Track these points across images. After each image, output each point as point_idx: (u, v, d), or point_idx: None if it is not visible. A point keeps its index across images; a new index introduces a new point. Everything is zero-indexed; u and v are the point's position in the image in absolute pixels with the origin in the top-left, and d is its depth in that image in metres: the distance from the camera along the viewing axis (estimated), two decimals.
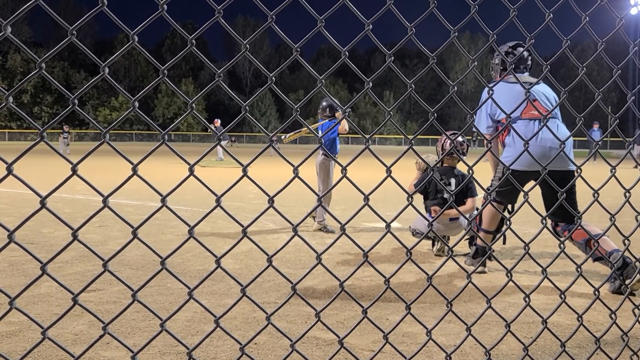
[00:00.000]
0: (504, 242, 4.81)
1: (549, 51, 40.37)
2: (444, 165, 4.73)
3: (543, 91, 3.99)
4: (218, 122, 21.47)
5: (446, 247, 4.56)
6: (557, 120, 3.87)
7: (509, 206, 4.07)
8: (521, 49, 4.06)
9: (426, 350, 2.46)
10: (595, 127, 23.43)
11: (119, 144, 47.82)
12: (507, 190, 3.90)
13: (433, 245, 4.75)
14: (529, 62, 4.18)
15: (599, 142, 1.78)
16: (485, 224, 4.06)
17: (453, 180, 4.66)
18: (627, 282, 3.48)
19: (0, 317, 1.12)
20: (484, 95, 4.08)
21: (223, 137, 20.86)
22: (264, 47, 80.00)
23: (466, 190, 4.57)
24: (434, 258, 4.52)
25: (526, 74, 4.14)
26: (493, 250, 1.72)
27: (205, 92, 1.31)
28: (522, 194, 1.64)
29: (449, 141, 4.71)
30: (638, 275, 3.34)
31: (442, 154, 4.74)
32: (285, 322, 2.85)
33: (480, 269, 4.00)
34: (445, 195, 4.59)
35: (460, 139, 4.71)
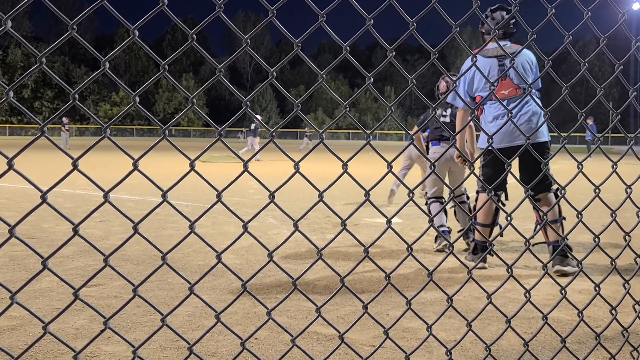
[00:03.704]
0: (501, 235, 4.75)
1: (551, 46, 40.25)
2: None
3: (522, 61, 3.79)
4: (260, 117, 19.75)
5: (447, 243, 4.56)
6: (528, 98, 3.63)
7: (502, 197, 4.02)
8: (501, 13, 3.84)
9: (426, 345, 2.47)
10: (590, 122, 23.31)
11: (119, 139, 47.81)
12: (491, 174, 3.87)
13: (435, 241, 4.75)
14: (513, 28, 3.90)
15: (600, 139, 1.78)
16: (479, 217, 4.01)
17: (449, 110, 4.84)
18: (554, 267, 3.78)
19: (1, 312, 1.12)
20: (464, 67, 3.84)
21: (255, 133, 18.64)
22: (265, 42, 79.95)
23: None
24: (434, 254, 4.52)
25: (507, 43, 3.88)
26: (493, 245, 1.72)
27: (206, 87, 1.31)
28: (517, 191, 1.64)
29: (442, 83, 4.85)
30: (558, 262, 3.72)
31: (438, 97, 4.85)
32: (286, 318, 2.86)
33: (480, 264, 3.99)
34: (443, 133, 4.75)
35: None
